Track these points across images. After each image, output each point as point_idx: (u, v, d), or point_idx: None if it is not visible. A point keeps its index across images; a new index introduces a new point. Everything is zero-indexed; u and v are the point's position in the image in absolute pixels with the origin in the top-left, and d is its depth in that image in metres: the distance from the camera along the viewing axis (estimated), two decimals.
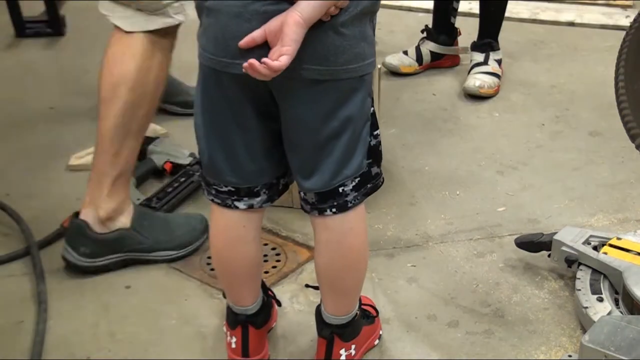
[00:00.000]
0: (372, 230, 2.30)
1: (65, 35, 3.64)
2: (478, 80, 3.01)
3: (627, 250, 1.99)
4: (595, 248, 2.04)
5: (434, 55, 3.23)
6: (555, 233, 2.09)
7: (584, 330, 1.86)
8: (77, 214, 2.08)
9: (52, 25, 3.63)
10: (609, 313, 1.83)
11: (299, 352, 1.87)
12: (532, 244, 2.12)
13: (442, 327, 1.94)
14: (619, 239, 2.03)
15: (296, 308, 2.00)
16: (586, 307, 1.87)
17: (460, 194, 2.49)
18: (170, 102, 2.84)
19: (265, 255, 2.20)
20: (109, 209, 2.05)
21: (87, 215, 2.06)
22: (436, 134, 2.83)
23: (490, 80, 3.02)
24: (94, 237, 2.06)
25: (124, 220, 2.10)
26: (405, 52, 3.23)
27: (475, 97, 3.01)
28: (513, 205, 2.43)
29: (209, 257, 2.19)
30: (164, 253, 2.16)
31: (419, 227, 2.32)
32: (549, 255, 2.09)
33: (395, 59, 3.21)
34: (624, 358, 1.61)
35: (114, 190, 2.04)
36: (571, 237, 2.06)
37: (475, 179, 2.57)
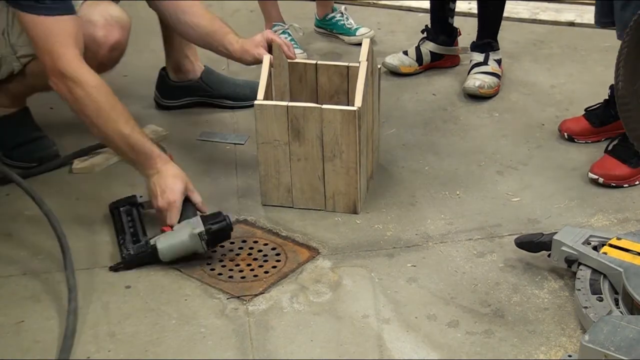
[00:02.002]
0: (372, 230, 2.31)
1: None
2: (478, 80, 3.01)
3: (627, 250, 1.99)
4: (595, 248, 2.04)
5: (434, 56, 3.23)
6: (555, 233, 2.09)
7: (584, 330, 1.86)
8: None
9: None
10: (609, 313, 1.83)
11: (299, 352, 1.87)
12: (532, 244, 2.12)
13: (442, 327, 1.94)
14: (618, 239, 2.03)
15: (296, 308, 2.00)
16: (586, 307, 1.88)
17: (460, 194, 2.49)
18: (220, 96, 2.94)
19: (265, 255, 2.20)
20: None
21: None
22: (436, 134, 2.83)
23: (490, 80, 3.02)
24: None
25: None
26: (405, 52, 3.23)
27: (475, 97, 3.01)
28: (513, 205, 2.43)
29: (209, 257, 2.19)
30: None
31: (419, 227, 2.32)
32: (549, 255, 2.09)
33: (395, 59, 3.21)
34: (623, 358, 1.61)
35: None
36: (571, 237, 2.06)
37: (475, 179, 2.57)
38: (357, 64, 2.33)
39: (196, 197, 2.24)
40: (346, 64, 2.50)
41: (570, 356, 1.76)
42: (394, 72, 3.20)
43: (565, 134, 2.74)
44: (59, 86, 2.17)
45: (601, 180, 2.47)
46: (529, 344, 1.88)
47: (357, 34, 3.48)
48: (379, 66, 2.51)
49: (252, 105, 2.62)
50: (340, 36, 3.53)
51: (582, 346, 1.67)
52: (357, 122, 2.24)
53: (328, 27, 3.56)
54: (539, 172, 2.60)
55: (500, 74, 3.09)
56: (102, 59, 2.36)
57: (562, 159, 2.65)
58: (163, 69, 2.95)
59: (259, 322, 1.96)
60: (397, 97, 3.07)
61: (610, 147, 2.54)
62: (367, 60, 2.31)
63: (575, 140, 2.72)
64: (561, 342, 1.89)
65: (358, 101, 2.25)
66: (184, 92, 2.95)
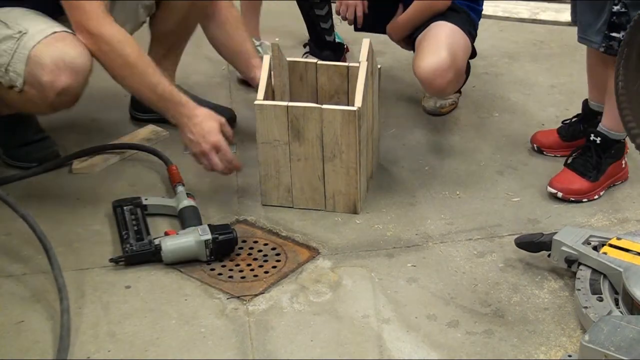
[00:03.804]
0: (372, 230, 2.31)
1: None
2: (438, 101, 2.94)
3: (627, 250, 1.99)
4: (595, 248, 2.04)
5: None
6: (555, 233, 2.09)
7: (584, 330, 1.86)
8: None
9: None
10: (609, 313, 1.83)
11: (299, 352, 1.87)
12: (532, 244, 2.12)
13: (442, 327, 1.94)
14: (618, 239, 2.03)
15: (296, 308, 2.00)
16: (586, 307, 1.88)
17: (460, 194, 2.49)
18: None
19: (265, 255, 2.20)
20: None
21: None
22: (436, 134, 2.83)
23: (449, 98, 2.96)
24: None
25: None
26: None
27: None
28: (513, 205, 2.43)
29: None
30: None
31: (419, 227, 2.32)
32: (548, 255, 2.09)
33: None
34: (623, 358, 1.61)
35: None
36: (571, 237, 2.06)
37: (475, 179, 2.57)
38: (357, 64, 2.33)
39: (227, 129, 2.35)
40: (346, 64, 2.50)
41: (570, 356, 1.76)
42: None
43: (535, 145, 2.72)
44: (87, 42, 2.23)
45: (560, 194, 2.43)
46: (529, 344, 1.88)
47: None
48: (379, 66, 2.51)
49: None
50: None
51: (582, 346, 1.67)
52: (357, 122, 2.24)
53: None
54: (539, 172, 2.60)
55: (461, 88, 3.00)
56: (52, 103, 2.28)
57: (562, 159, 2.64)
58: None
59: (259, 322, 1.96)
60: (397, 97, 3.07)
61: (569, 161, 2.50)
62: (367, 60, 2.31)
63: (545, 153, 2.69)
64: (561, 342, 1.89)
65: (358, 101, 2.25)
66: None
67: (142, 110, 2.88)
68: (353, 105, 2.26)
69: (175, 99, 2.29)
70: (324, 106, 2.26)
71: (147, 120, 2.88)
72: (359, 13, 2.85)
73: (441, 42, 2.58)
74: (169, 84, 2.29)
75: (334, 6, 3.02)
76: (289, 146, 2.32)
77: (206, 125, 2.29)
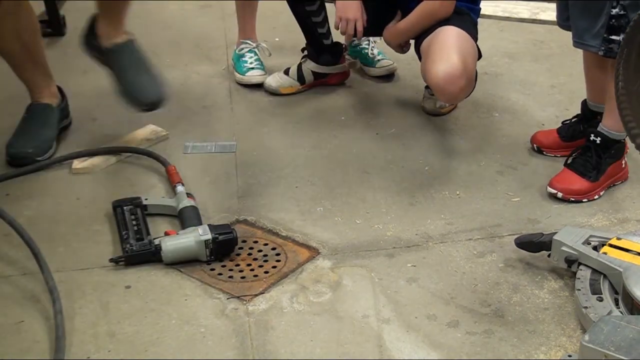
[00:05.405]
0: (372, 230, 2.31)
1: (65, 35, 3.64)
2: (439, 101, 2.92)
3: (627, 250, 1.99)
4: (595, 248, 2.04)
5: (317, 75, 3.13)
6: (555, 233, 2.09)
7: (584, 330, 1.86)
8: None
9: (52, 25, 3.63)
10: (609, 313, 1.83)
11: (299, 352, 1.87)
12: (532, 244, 2.12)
13: (442, 327, 1.94)
14: (619, 239, 2.03)
15: (296, 308, 2.00)
16: (586, 307, 1.88)
17: (460, 194, 2.49)
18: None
19: (265, 255, 2.20)
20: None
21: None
22: (436, 134, 2.83)
23: None
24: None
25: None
26: (287, 72, 3.13)
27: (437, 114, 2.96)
28: (513, 205, 2.43)
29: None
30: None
31: (419, 227, 2.32)
32: (548, 255, 2.09)
33: (275, 81, 3.11)
34: (623, 358, 1.61)
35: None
36: (571, 237, 2.06)
37: (475, 179, 2.57)
38: None
39: None
40: None
41: (570, 356, 1.76)
42: (274, 93, 3.10)
43: (535, 146, 2.72)
44: None
45: (560, 195, 2.42)
46: (529, 344, 1.88)
47: (376, 65, 3.25)
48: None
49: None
50: (364, 67, 3.28)
51: (582, 346, 1.67)
52: None
53: (352, 55, 3.31)
54: (539, 172, 2.60)
55: None
56: None
57: (562, 159, 2.65)
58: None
59: (259, 322, 1.96)
60: (397, 97, 3.08)
61: (569, 161, 2.50)
62: None
63: (545, 153, 2.70)
64: (561, 342, 1.89)
65: None
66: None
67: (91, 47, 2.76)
68: None
69: None
70: None
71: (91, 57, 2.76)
72: (359, 28, 2.81)
73: (451, 47, 2.54)
74: None
75: (330, 6, 3.01)
76: None
77: None
